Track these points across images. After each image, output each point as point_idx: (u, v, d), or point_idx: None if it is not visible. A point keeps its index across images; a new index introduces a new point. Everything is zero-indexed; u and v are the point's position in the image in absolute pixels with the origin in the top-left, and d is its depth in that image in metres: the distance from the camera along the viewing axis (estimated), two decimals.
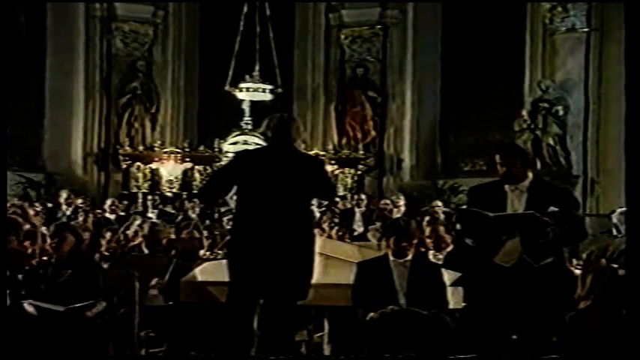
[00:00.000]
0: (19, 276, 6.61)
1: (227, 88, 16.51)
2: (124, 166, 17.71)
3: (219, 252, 8.72)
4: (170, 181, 17.48)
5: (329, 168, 17.38)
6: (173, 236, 8.84)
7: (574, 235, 5.52)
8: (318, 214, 12.48)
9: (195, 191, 16.52)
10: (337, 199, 16.15)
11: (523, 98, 16.02)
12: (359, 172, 17.75)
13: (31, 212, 11.53)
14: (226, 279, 5.87)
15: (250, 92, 16.45)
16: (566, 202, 5.42)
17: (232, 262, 5.77)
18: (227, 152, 16.75)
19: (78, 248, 6.80)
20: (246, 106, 16.73)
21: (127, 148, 17.83)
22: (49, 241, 6.77)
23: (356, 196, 15.55)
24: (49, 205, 13.90)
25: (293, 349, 6.39)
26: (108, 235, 9.43)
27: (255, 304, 5.76)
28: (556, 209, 5.26)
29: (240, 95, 16.60)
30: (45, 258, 6.87)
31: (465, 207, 5.78)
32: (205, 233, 8.87)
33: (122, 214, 13.69)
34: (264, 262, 5.59)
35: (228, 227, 10.47)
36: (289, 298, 5.71)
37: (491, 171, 5.80)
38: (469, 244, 5.61)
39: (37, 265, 6.79)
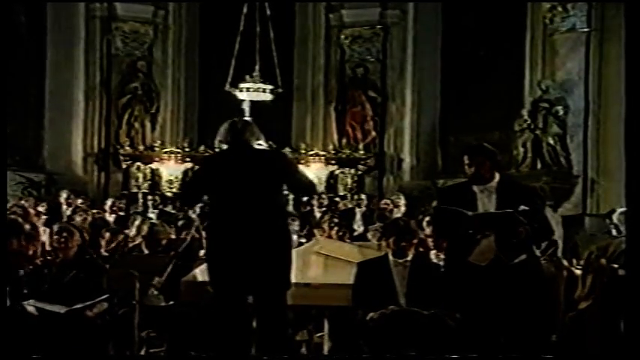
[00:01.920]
0: (21, 275, 6.62)
1: (227, 88, 16.50)
2: (124, 166, 17.71)
3: None
4: (170, 181, 17.48)
5: (330, 168, 17.47)
6: (173, 236, 8.84)
7: (542, 234, 5.55)
8: (318, 215, 12.50)
9: None
10: (337, 199, 16.18)
11: (523, 98, 16.00)
12: (359, 172, 17.75)
13: (32, 212, 11.55)
14: None
15: (250, 92, 16.43)
16: (533, 201, 5.45)
17: (211, 264, 5.87)
18: None
19: (83, 247, 6.84)
20: (246, 106, 16.71)
21: (127, 148, 17.83)
22: (54, 239, 6.76)
23: (356, 196, 15.55)
24: (49, 205, 13.90)
25: (290, 343, 6.42)
26: (107, 235, 9.42)
27: (242, 302, 5.82)
28: (526, 208, 5.29)
29: (240, 95, 16.59)
30: (49, 257, 6.87)
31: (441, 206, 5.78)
32: (204, 234, 8.86)
33: (122, 214, 13.68)
34: (243, 260, 5.67)
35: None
36: (274, 291, 5.76)
37: None
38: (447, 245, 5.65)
39: (40, 264, 6.80)
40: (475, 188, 5.48)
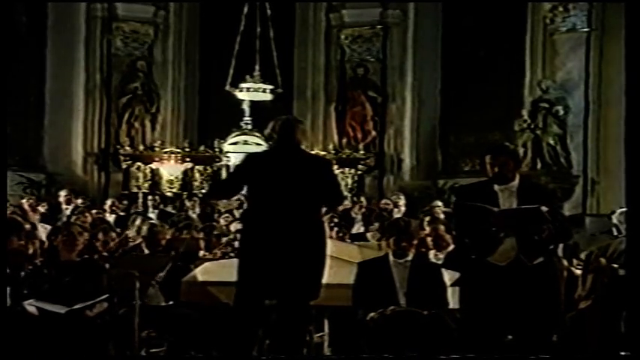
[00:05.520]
0: (22, 275, 6.62)
1: (227, 88, 16.51)
2: (125, 166, 17.70)
3: (217, 252, 8.74)
4: (170, 181, 17.48)
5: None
6: (169, 236, 8.83)
7: (561, 235, 5.53)
8: None
9: (195, 191, 16.61)
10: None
11: (523, 98, 16.01)
12: (359, 172, 17.74)
13: (28, 210, 11.56)
14: (226, 279, 5.89)
15: (250, 92, 16.45)
16: (553, 203, 5.43)
17: (242, 263, 5.78)
18: (227, 152, 16.79)
19: (87, 247, 6.85)
20: (246, 106, 16.74)
21: (127, 148, 17.83)
22: (59, 239, 6.75)
23: (356, 199, 15.54)
24: (49, 205, 13.91)
25: (306, 348, 6.40)
26: (108, 235, 9.40)
27: (262, 305, 5.77)
28: (546, 209, 5.26)
29: (240, 95, 16.61)
30: (48, 258, 6.87)
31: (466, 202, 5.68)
32: (201, 235, 8.86)
33: (122, 214, 13.69)
34: (275, 263, 5.61)
35: (225, 227, 10.52)
36: (301, 299, 5.72)
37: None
38: (467, 243, 5.58)
39: (41, 264, 6.80)
40: (496, 188, 5.44)
